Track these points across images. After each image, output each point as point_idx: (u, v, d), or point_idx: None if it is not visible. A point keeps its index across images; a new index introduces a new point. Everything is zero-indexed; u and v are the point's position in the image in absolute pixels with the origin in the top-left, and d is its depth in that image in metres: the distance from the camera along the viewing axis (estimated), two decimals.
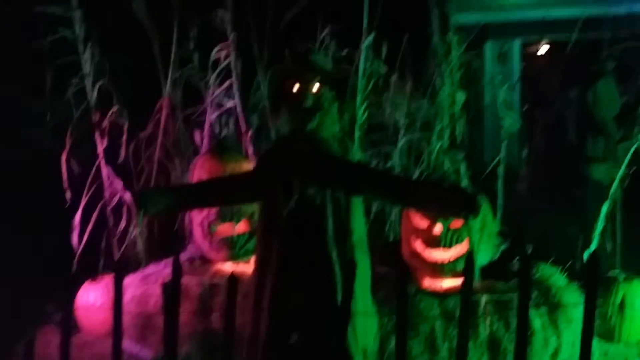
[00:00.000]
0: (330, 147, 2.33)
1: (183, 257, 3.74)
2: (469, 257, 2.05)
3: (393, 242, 3.80)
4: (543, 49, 6.43)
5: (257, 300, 2.33)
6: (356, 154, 2.49)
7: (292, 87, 2.33)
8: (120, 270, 2.17)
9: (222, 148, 3.81)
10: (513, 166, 4.49)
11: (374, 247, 2.65)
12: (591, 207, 4.27)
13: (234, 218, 3.52)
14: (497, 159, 4.20)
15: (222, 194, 2.48)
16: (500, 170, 4.22)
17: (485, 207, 3.34)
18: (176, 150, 4.38)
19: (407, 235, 3.31)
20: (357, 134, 4.02)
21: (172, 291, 2.05)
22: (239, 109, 4.23)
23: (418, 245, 3.27)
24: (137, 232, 3.98)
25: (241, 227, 3.59)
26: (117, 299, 2.12)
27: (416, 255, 3.32)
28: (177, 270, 2.08)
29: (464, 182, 3.85)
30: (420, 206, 2.57)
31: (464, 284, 2.00)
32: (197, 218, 3.70)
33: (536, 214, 4.43)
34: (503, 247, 3.55)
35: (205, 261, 3.75)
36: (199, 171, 3.69)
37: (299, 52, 2.45)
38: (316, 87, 2.34)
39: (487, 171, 4.24)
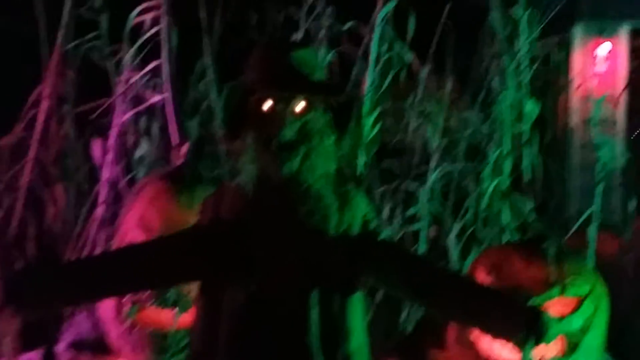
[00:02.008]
0: (322, 201, 2.37)
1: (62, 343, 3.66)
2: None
3: (414, 335, 3.87)
4: None
5: None
6: (360, 203, 2.47)
7: (261, 105, 2.31)
8: None
9: (194, 176, 3.71)
10: (613, 223, 4.52)
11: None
12: None
13: (179, 302, 3.42)
14: (589, 212, 4.15)
15: (152, 271, 2.46)
16: (593, 231, 4.15)
17: (599, 297, 3.34)
18: (59, 170, 4.32)
19: None
20: (361, 159, 4.04)
21: None
22: (168, 108, 4.23)
23: (475, 333, 3.19)
24: None
25: (187, 319, 3.33)
26: None
27: (468, 347, 3.27)
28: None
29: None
30: (462, 319, 2.65)
31: None
32: None
33: None
34: None
35: (102, 352, 3.72)
36: (147, 208, 3.61)
37: (273, 43, 2.51)
38: (300, 106, 2.32)
39: (572, 231, 4.21)
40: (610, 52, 7.31)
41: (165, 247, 2.47)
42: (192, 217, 3.30)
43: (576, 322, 3.24)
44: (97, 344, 3.74)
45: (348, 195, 2.41)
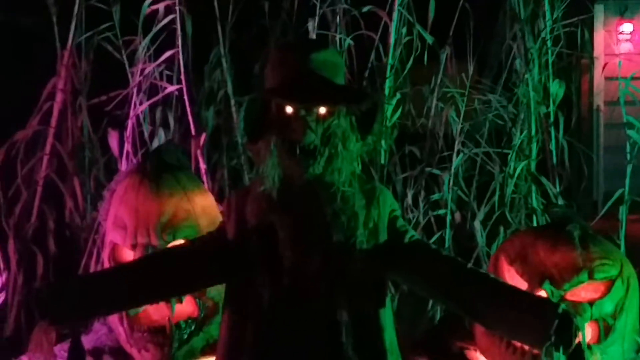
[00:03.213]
0: (348, 202, 2.35)
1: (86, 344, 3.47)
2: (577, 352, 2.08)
3: (441, 327, 3.86)
4: None
5: None
6: (387, 198, 2.45)
7: (282, 111, 2.28)
8: None
9: (158, 165, 3.64)
10: None
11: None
12: None
13: None
14: (619, 193, 4.15)
15: (178, 278, 2.47)
16: (623, 212, 4.16)
17: (628, 278, 3.31)
18: (77, 162, 4.31)
19: None
20: (382, 144, 4.04)
21: None
22: (185, 98, 4.19)
23: None
24: None
25: (185, 309, 3.48)
26: None
27: (498, 338, 3.28)
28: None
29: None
30: (490, 325, 2.53)
31: None
32: None
33: None
34: None
35: (121, 357, 3.68)
36: (118, 208, 3.61)
37: (291, 44, 2.51)
38: (322, 111, 2.29)
39: (601, 215, 4.20)
40: (632, 32, 7.24)
41: (190, 253, 2.47)
42: (160, 204, 3.52)
43: (608, 306, 3.22)
44: (116, 350, 3.70)
45: (375, 191, 2.38)
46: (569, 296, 3.23)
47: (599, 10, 6.04)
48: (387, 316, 2.38)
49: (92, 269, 4.10)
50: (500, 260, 3.42)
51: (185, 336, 3.50)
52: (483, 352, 3.47)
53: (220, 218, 2.57)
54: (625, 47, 6.99)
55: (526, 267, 3.29)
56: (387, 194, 2.42)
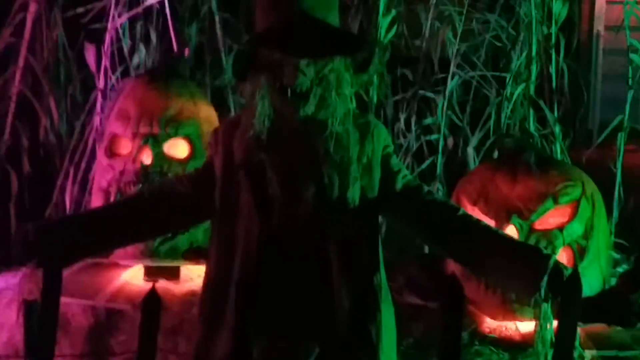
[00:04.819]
0: (342, 140, 2.34)
1: None
2: (572, 279, 2.06)
3: (431, 256, 3.81)
4: None
5: (204, 354, 2.34)
6: (381, 132, 2.41)
7: (272, 55, 2.25)
8: None
9: (169, 70, 3.79)
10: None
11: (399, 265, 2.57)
12: None
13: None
14: (618, 120, 4.09)
15: (168, 214, 2.46)
16: (621, 140, 4.12)
17: (591, 196, 3.34)
18: (52, 78, 4.26)
19: None
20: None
21: (45, 308, 2.07)
22: (167, 12, 4.09)
23: None
24: None
25: None
26: None
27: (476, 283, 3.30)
28: (51, 289, 2.10)
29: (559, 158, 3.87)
30: (481, 267, 2.49)
31: (561, 327, 2.03)
32: (98, 175, 3.73)
33: None
34: (622, 269, 3.66)
35: (106, 264, 3.72)
36: (124, 101, 3.68)
37: None
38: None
39: (598, 142, 4.22)
40: None
41: (179, 192, 2.45)
42: (167, 101, 3.65)
43: (577, 228, 3.27)
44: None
45: (369, 126, 2.36)
46: (538, 225, 3.24)
47: None
48: (377, 254, 2.38)
49: (67, 190, 4.11)
50: (462, 202, 3.39)
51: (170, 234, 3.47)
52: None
53: None
54: None
55: (490, 204, 3.30)
56: (381, 128, 2.39)
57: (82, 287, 3.49)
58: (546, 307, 2.38)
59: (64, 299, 3.27)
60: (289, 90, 2.23)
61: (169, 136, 3.58)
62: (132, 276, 3.67)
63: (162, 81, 3.69)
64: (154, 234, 2.93)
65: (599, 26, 5.29)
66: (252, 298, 2.24)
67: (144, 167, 3.55)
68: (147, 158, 3.57)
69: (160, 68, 3.83)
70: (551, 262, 2.24)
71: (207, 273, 2.42)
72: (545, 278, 2.19)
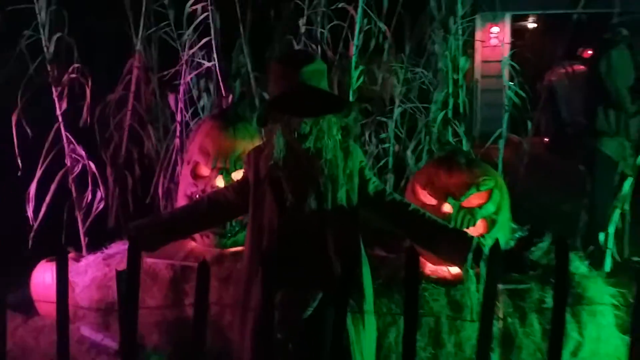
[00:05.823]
0: (332, 160, 2.31)
1: None
2: (495, 246, 1.91)
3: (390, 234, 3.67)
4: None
5: (245, 299, 2.36)
6: (358, 153, 2.41)
7: (283, 113, 2.27)
8: (63, 254, 2.01)
9: (235, 115, 3.65)
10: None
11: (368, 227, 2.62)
12: (600, 185, 4.31)
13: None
14: (499, 131, 4.21)
15: (219, 211, 2.48)
16: (502, 145, 4.24)
17: (501, 186, 3.36)
18: (150, 115, 4.29)
19: None
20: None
21: (130, 275, 1.93)
22: (218, 72, 4.15)
23: None
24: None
25: None
26: (60, 287, 1.98)
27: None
28: (135, 250, 1.97)
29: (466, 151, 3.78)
30: (428, 244, 2.45)
31: (489, 275, 1.90)
32: (184, 186, 3.63)
33: (540, 192, 4.48)
34: (517, 235, 3.51)
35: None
36: (204, 139, 3.58)
37: (286, 59, 2.25)
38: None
39: (488, 144, 4.27)
40: (498, 32, 7.53)
41: (228, 196, 2.48)
42: (235, 144, 3.50)
43: (490, 207, 3.27)
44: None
45: (349, 148, 2.38)
46: (465, 204, 3.24)
47: (478, 18, 6.25)
48: (358, 234, 2.40)
49: (161, 186, 4.12)
50: (415, 187, 3.41)
51: (234, 231, 3.49)
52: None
53: None
54: (494, 41, 7.29)
55: (434, 188, 3.31)
56: (357, 150, 2.42)
57: (165, 252, 3.26)
58: (471, 272, 2.56)
59: (152, 260, 3.40)
60: (296, 133, 2.26)
61: (235, 169, 3.46)
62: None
63: (232, 127, 3.54)
64: (213, 224, 3.03)
65: (477, 75, 5.64)
66: (273, 263, 2.17)
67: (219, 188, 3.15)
68: (220, 182, 3.47)
69: (229, 112, 3.65)
70: (474, 242, 2.28)
71: (246, 247, 2.45)
72: (470, 255, 2.24)
